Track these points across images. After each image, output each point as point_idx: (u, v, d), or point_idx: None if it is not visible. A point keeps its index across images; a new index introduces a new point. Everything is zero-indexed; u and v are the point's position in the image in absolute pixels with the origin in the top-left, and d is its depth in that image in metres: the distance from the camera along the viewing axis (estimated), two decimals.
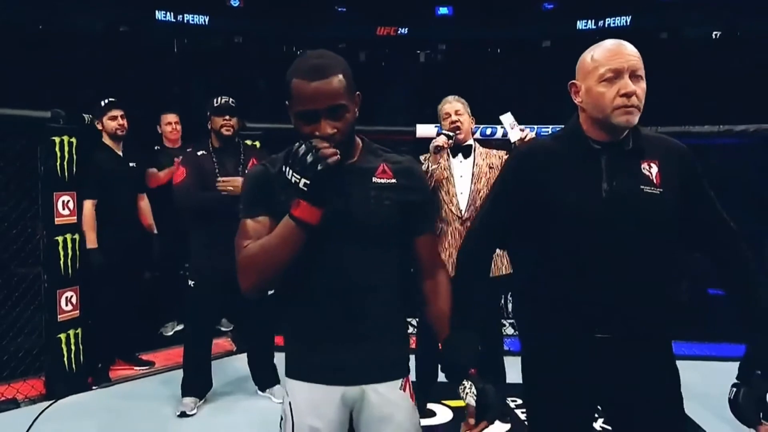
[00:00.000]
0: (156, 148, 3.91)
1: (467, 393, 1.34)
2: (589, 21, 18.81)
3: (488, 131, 3.70)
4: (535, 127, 3.75)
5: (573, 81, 1.42)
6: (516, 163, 1.48)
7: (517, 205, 1.44)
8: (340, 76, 1.22)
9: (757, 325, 1.39)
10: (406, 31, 19.56)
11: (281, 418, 1.36)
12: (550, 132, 3.74)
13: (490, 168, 2.73)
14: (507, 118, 2.64)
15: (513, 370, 3.05)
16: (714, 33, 16.87)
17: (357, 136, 1.36)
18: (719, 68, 12.59)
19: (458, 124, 2.72)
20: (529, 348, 1.54)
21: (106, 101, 3.30)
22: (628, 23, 18.37)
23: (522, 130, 2.58)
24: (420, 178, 1.42)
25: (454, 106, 2.76)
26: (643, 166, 1.37)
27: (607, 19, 18.65)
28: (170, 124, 3.91)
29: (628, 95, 1.31)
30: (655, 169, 1.37)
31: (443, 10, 20.26)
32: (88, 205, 3.20)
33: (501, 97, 12.34)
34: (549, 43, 19.00)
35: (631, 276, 1.35)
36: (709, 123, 3.59)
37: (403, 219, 1.33)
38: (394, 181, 1.33)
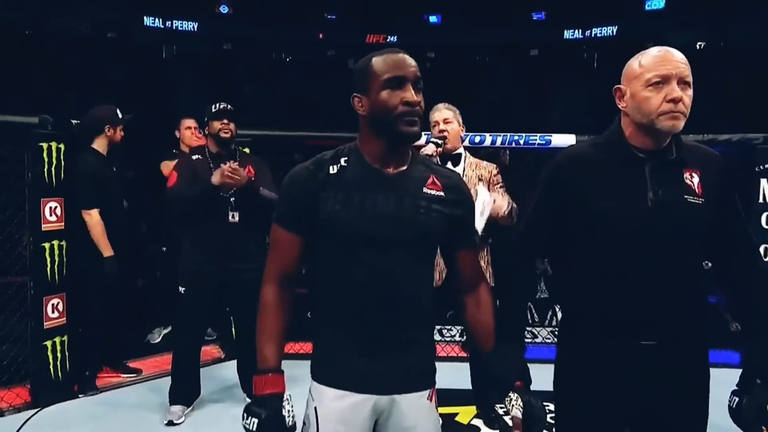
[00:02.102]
0: (174, 151, 3.86)
1: (513, 405, 1.36)
2: (577, 30, 19.04)
3: (477, 139, 3.73)
4: (524, 135, 3.79)
5: (618, 86, 1.43)
6: (554, 172, 1.47)
7: (558, 216, 1.44)
8: None
9: (760, 333, 1.41)
10: (395, 39, 19.64)
11: (303, 423, 1.35)
12: (537, 140, 3.78)
13: (480, 180, 2.73)
14: (481, 199, 2.46)
15: None
16: (698, 43, 17.15)
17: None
18: (703, 77, 12.79)
19: (445, 133, 2.72)
20: (566, 356, 1.53)
21: (119, 111, 3.28)
22: (615, 33, 18.62)
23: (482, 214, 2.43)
24: (467, 194, 1.44)
25: (443, 114, 2.77)
26: (686, 175, 1.38)
27: (594, 29, 18.89)
28: (189, 128, 3.86)
29: (675, 101, 1.32)
30: (696, 179, 1.38)
31: (432, 18, 20.40)
32: (95, 213, 3.13)
33: (489, 104, 12.43)
34: (537, 52, 19.19)
35: (674, 283, 1.36)
36: (693, 132, 3.64)
37: (447, 232, 1.35)
38: (442, 194, 1.35)
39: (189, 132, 3.86)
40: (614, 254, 1.37)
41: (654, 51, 1.38)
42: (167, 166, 3.72)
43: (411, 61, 1.29)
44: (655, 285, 1.36)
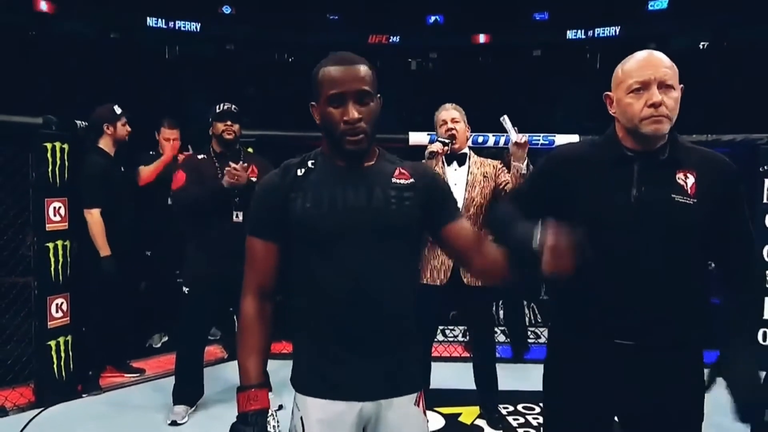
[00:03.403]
0: (151, 153, 3.84)
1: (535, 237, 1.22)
2: (579, 31, 19.04)
3: (480, 139, 3.72)
4: (526, 135, 3.78)
5: (607, 92, 1.45)
6: (553, 159, 1.49)
7: (548, 197, 1.44)
8: (366, 67, 1.27)
9: (727, 331, 1.41)
10: (397, 39, 19.68)
11: None
12: (540, 140, 3.77)
13: (485, 177, 2.74)
14: (506, 122, 2.64)
15: (507, 377, 3.08)
16: (701, 43, 17.14)
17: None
18: (706, 78, 12.75)
19: (453, 132, 2.73)
20: (552, 353, 1.54)
21: (118, 107, 3.28)
22: (617, 33, 18.62)
23: (518, 133, 2.57)
24: (436, 177, 1.42)
25: (450, 113, 2.77)
26: (678, 175, 1.38)
27: (596, 29, 18.88)
28: (168, 140, 3.81)
29: (655, 105, 1.33)
30: (691, 180, 1.37)
31: (435, 19, 20.42)
32: (96, 213, 3.13)
33: (492, 104, 12.43)
34: (539, 52, 19.20)
35: (655, 283, 1.35)
36: (696, 132, 3.64)
37: (425, 217, 1.32)
38: (412, 180, 1.33)
39: (167, 144, 3.79)
40: (597, 249, 1.36)
41: (637, 56, 1.40)
42: (144, 172, 3.66)
43: (353, 73, 1.25)
44: (634, 283, 1.36)
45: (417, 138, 3.70)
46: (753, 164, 3.75)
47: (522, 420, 2.98)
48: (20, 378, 3.16)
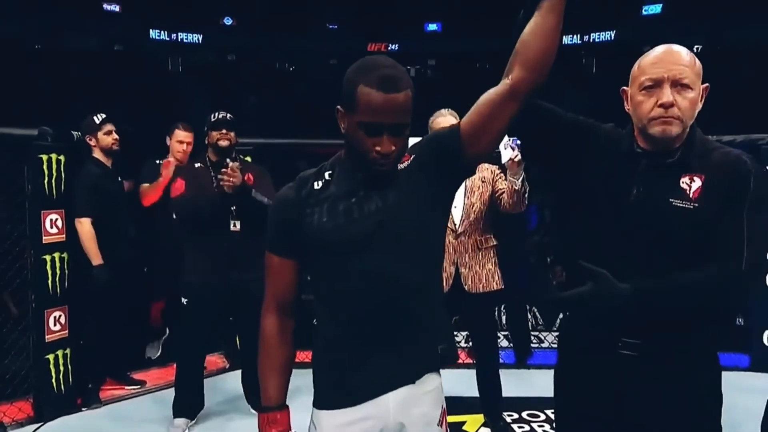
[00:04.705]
0: (157, 161, 3.63)
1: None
2: (575, 36, 19.06)
3: None
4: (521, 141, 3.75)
5: (624, 87, 1.40)
6: (596, 125, 1.45)
7: (569, 142, 1.42)
8: (408, 91, 1.16)
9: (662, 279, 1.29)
10: (396, 47, 19.74)
11: None
12: None
13: (483, 182, 2.72)
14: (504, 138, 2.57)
15: (511, 383, 3.04)
16: (696, 47, 17.16)
17: None
18: (702, 80, 12.78)
19: None
20: (561, 361, 1.51)
21: (100, 116, 3.25)
22: (612, 37, 18.67)
23: (513, 150, 2.48)
24: (426, 137, 1.35)
25: (448, 119, 2.74)
26: (683, 179, 1.31)
27: (591, 34, 18.92)
28: (182, 143, 3.63)
29: (665, 106, 1.27)
30: (697, 184, 1.30)
31: (432, 26, 20.51)
32: (86, 222, 3.11)
33: None
34: None
35: None
36: None
37: (444, 157, 1.25)
38: (413, 156, 1.27)
39: (180, 146, 3.61)
40: (599, 249, 1.34)
41: (655, 51, 1.33)
42: (146, 192, 3.53)
43: (395, 104, 1.13)
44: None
45: None
46: (754, 164, 3.73)
47: (527, 428, 2.94)
48: (19, 392, 3.13)
